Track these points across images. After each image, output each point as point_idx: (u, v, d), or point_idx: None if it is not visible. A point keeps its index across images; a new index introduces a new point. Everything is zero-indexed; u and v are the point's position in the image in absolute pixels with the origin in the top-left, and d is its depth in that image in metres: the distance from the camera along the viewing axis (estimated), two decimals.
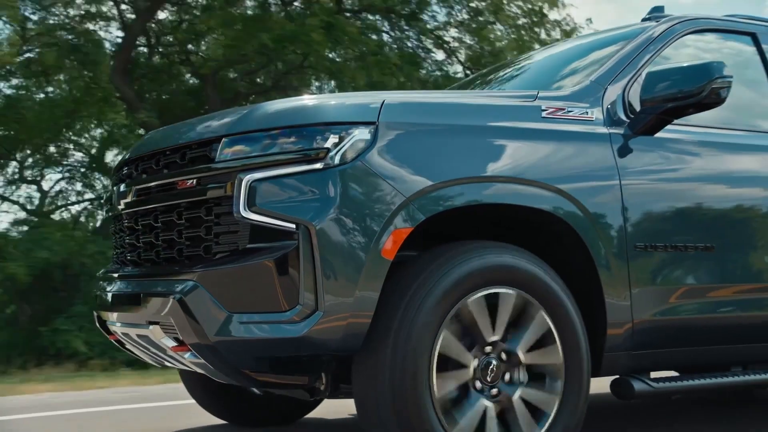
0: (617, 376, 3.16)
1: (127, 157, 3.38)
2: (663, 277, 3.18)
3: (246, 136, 2.75)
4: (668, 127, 3.26)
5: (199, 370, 3.02)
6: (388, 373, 2.63)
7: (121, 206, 3.20)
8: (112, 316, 3.28)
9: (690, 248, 3.24)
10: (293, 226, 2.60)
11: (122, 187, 3.23)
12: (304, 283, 2.57)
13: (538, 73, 4.00)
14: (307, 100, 2.98)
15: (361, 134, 2.69)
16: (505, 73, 4.26)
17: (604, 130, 3.17)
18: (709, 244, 3.29)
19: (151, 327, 2.93)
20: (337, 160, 2.64)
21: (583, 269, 3.04)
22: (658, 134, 3.25)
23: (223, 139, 2.78)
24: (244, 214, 2.65)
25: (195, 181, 2.81)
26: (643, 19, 3.95)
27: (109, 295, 3.27)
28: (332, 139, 2.66)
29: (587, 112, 3.18)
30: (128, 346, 3.46)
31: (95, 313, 3.57)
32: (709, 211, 3.37)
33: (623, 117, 3.24)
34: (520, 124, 3.01)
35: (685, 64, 3.19)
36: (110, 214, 3.50)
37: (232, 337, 2.66)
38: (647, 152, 3.23)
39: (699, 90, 3.09)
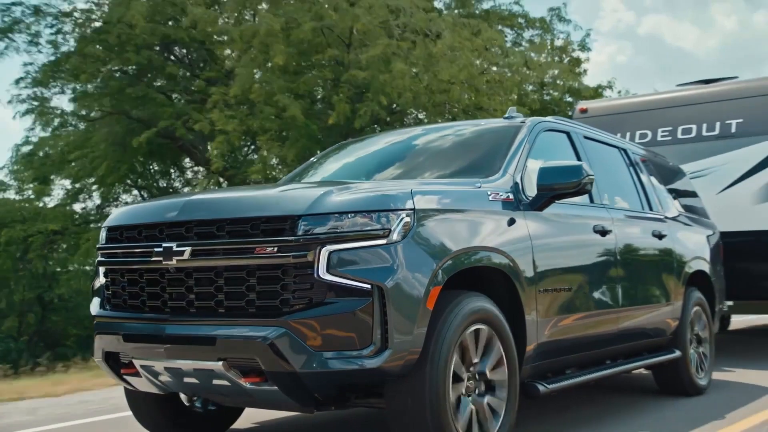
0: (526, 381, 4.50)
1: (163, 219, 3.93)
2: (553, 309, 4.62)
3: (323, 217, 3.60)
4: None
5: (252, 398, 3.76)
6: (428, 387, 3.68)
7: (173, 262, 3.78)
8: (150, 353, 3.84)
9: (563, 290, 4.74)
10: (368, 286, 3.53)
11: (167, 245, 3.80)
12: (376, 327, 3.52)
13: (447, 155, 5.19)
14: (362, 192, 3.84)
15: (408, 217, 3.71)
16: (416, 150, 5.41)
17: (519, 208, 4.51)
18: (568, 287, 4.82)
19: (220, 362, 3.62)
20: (394, 237, 3.63)
21: (510, 306, 4.34)
22: (546, 210, 4.68)
23: (303, 217, 3.59)
24: (323, 277, 3.52)
25: (276, 248, 3.58)
26: (505, 118, 5.40)
27: (147, 335, 3.84)
28: (393, 221, 3.64)
29: (509, 195, 4.50)
30: (141, 379, 4.02)
31: (103, 351, 4.06)
32: (570, 261, 4.90)
33: (524, 198, 4.61)
34: (481, 207, 4.24)
35: (564, 164, 4.66)
36: (133, 266, 4.00)
37: (316, 369, 3.51)
38: (543, 223, 4.64)
39: (576, 183, 4.57)
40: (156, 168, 21.46)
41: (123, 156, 17.82)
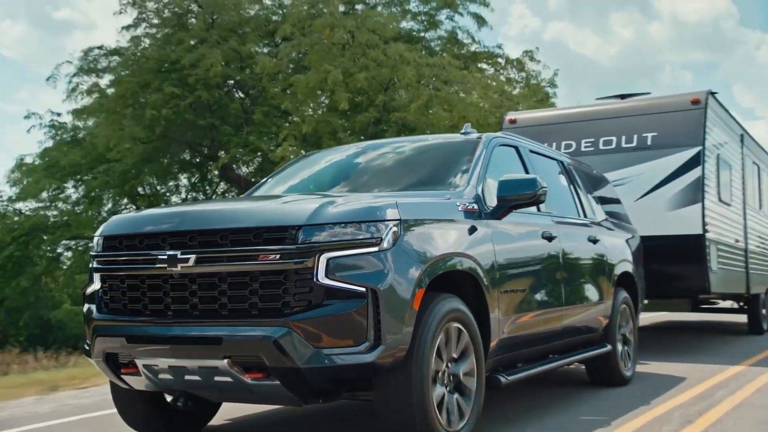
0: (488, 374, 4.97)
1: (166, 229, 4.21)
2: (512, 308, 5.11)
3: (321, 227, 3.97)
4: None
5: (252, 393, 4.09)
6: (414, 380, 4.09)
7: (177, 268, 4.07)
8: (154, 353, 4.12)
9: (519, 291, 5.25)
10: (363, 289, 3.92)
11: (171, 253, 4.09)
12: (370, 326, 3.91)
13: (414, 167, 5.62)
14: (355, 204, 4.21)
15: (396, 226, 4.11)
16: (382, 162, 5.81)
17: (482, 217, 4.99)
18: (522, 288, 5.33)
19: (225, 360, 3.94)
20: (385, 245, 4.03)
21: (477, 305, 4.80)
22: (504, 218, 5.18)
23: (303, 227, 3.95)
24: (322, 281, 3.90)
25: (279, 255, 3.92)
26: (462, 133, 5.88)
27: (152, 336, 4.12)
28: (383, 231, 4.04)
29: (474, 206, 4.96)
30: (139, 378, 4.29)
31: (104, 352, 4.31)
32: (524, 265, 5.42)
33: (486, 208, 5.09)
34: (452, 217, 4.69)
35: (521, 177, 5.16)
36: (135, 273, 4.26)
37: (316, 365, 3.87)
38: (502, 231, 5.13)
39: (532, 194, 5.08)
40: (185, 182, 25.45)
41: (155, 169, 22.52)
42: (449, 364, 4.45)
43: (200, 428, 5.31)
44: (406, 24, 22.61)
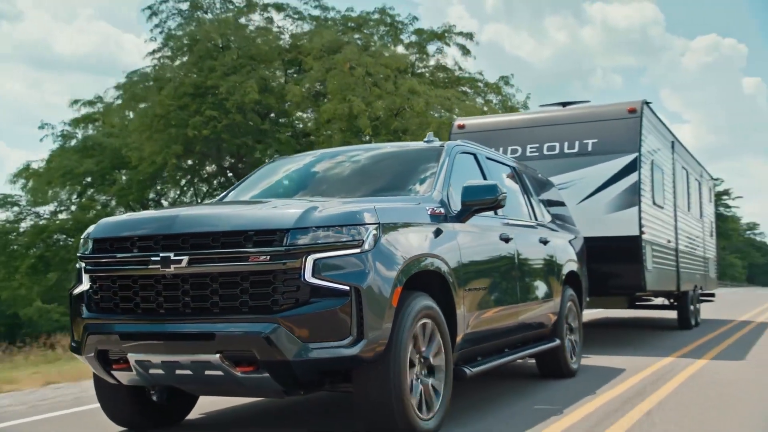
0: (454, 366, 5.33)
1: (158, 232, 4.44)
2: (475, 305, 5.50)
3: (307, 230, 4.27)
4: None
5: (241, 385, 4.36)
6: (392, 372, 4.43)
7: (170, 269, 4.31)
8: (147, 348, 4.36)
9: (481, 289, 5.64)
10: (347, 287, 4.23)
11: (164, 255, 4.33)
12: (354, 322, 4.23)
13: (383, 173, 5.95)
14: (338, 208, 4.51)
15: (375, 230, 4.44)
16: (349, 168, 6.13)
17: (448, 220, 5.36)
18: (483, 286, 5.72)
19: (217, 354, 4.21)
20: (366, 246, 4.36)
21: (444, 302, 5.15)
22: (468, 221, 5.56)
23: (291, 230, 4.25)
24: (309, 280, 4.20)
25: (268, 257, 4.21)
26: (425, 141, 6.25)
27: (145, 333, 4.36)
28: (364, 234, 4.37)
29: (441, 210, 5.33)
30: (129, 373, 4.52)
31: (96, 348, 4.52)
32: (486, 265, 5.81)
33: (451, 212, 5.46)
34: (423, 220, 5.04)
35: (484, 183, 5.55)
36: (127, 273, 4.48)
37: (304, 357, 4.17)
38: (466, 233, 5.51)
39: (494, 199, 5.48)
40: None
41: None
42: (422, 357, 4.79)
43: (178, 422, 5.53)
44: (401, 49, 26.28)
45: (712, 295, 17.47)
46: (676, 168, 13.00)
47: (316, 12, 26.46)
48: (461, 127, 11.22)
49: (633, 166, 10.15)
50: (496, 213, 6.23)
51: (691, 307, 13.36)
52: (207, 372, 4.34)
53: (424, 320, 4.78)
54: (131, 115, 25.53)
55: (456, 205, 5.52)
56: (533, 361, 7.57)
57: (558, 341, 7.19)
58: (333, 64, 22.54)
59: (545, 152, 10.50)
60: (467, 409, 5.77)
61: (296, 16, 26.43)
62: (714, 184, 18.55)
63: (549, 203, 8.23)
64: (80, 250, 4.84)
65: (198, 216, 4.59)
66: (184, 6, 25.94)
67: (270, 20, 26.24)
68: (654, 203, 10.99)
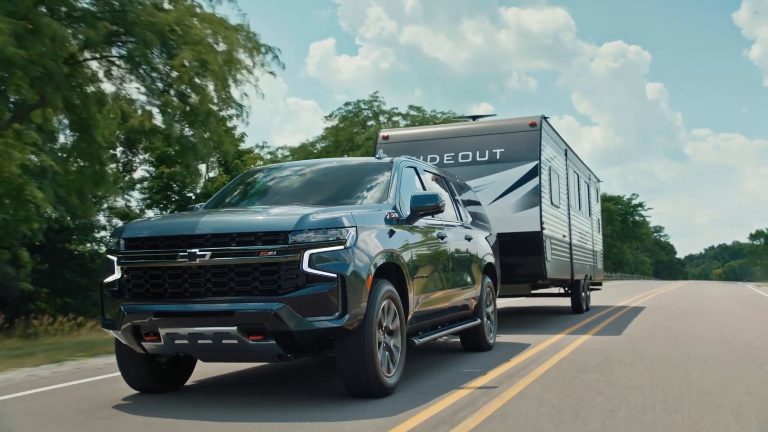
0: (407, 338, 6.71)
1: (185, 233, 5.64)
2: (420, 290, 6.91)
3: (304, 231, 5.57)
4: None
5: (251, 351, 5.61)
6: (366, 340, 5.77)
7: (196, 262, 5.53)
8: (177, 323, 5.56)
9: (425, 277, 7.06)
10: (335, 275, 5.55)
11: (191, 251, 5.54)
12: (340, 301, 5.55)
13: (345, 184, 7.28)
14: (327, 214, 5.82)
15: (354, 231, 5.79)
16: (311, 178, 7.43)
17: (401, 223, 6.74)
18: (426, 275, 7.15)
19: (235, 327, 5.45)
20: (348, 243, 5.69)
21: (399, 288, 6.53)
22: (415, 223, 6.97)
23: (292, 231, 5.53)
24: (306, 270, 5.50)
25: (275, 252, 5.49)
26: (377, 157, 7.62)
27: (176, 311, 5.56)
28: (345, 234, 5.70)
29: (396, 215, 6.71)
30: (158, 344, 5.71)
31: (131, 324, 5.68)
32: (427, 258, 7.23)
33: (402, 216, 6.85)
34: (383, 223, 6.41)
35: (428, 193, 6.97)
36: (158, 266, 5.66)
37: (304, 328, 5.47)
38: (414, 233, 6.92)
39: (435, 206, 6.91)
40: None
41: None
42: (385, 331, 6.17)
43: (178, 387, 6.72)
44: None
45: (600, 284, 19.59)
46: (569, 173, 14.87)
47: None
48: (386, 137, 12.65)
49: (534, 172, 11.84)
50: (433, 216, 7.66)
51: (582, 294, 15.29)
52: (224, 341, 5.57)
53: (387, 301, 6.14)
54: None
55: (406, 210, 6.91)
56: (457, 339, 9.07)
57: (479, 320, 8.71)
58: None
59: (460, 160, 12.06)
60: (415, 374, 7.20)
61: None
62: (600, 186, 20.72)
63: (468, 203, 9.73)
64: (111, 246, 5.98)
65: (216, 221, 5.80)
66: None
67: None
68: (552, 203, 12.73)
